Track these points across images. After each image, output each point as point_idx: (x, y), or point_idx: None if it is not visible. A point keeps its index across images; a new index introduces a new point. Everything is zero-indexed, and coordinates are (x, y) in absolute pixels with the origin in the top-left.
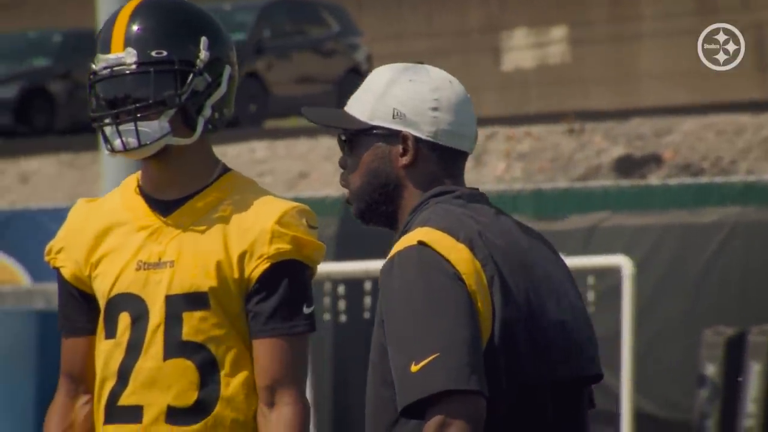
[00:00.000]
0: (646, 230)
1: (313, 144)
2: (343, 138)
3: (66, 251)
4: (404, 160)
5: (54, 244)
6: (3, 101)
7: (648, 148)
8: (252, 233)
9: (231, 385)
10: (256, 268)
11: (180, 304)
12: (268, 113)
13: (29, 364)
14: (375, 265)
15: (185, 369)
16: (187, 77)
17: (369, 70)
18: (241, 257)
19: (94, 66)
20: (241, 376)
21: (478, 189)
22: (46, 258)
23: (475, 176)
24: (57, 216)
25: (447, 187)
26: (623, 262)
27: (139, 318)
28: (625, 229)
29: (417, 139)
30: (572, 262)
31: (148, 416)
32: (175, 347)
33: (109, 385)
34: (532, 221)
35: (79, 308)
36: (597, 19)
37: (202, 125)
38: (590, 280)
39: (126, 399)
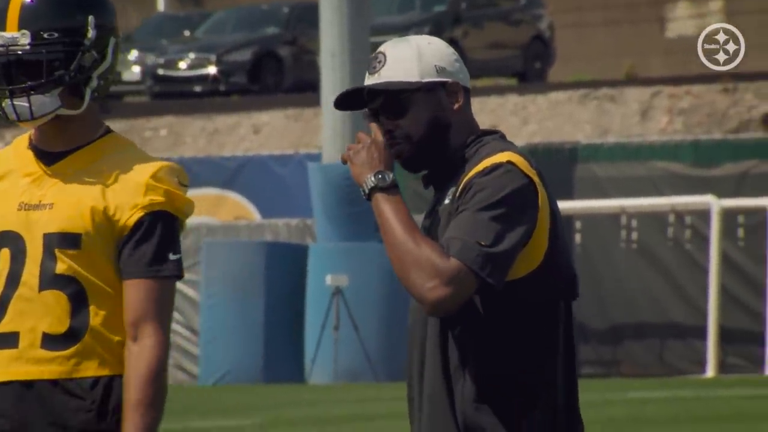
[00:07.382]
0: None
1: (502, 101)
2: (371, 108)
3: None
4: (457, 105)
5: None
6: (239, 64)
7: None
8: (129, 185)
9: (97, 318)
10: (131, 217)
11: (55, 241)
12: None
13: (259, 288)
14: (580, 204)
15: (58, 299)
16: (76, 55)
17: (551, 38)
18: (118, 206)
19: None
20: (104, 313)
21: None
22: None
23: (640, 129)
24: (284, 161)
25: (489, 129)
26: None
27: (18, 253)
28: None
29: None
30: (726, 203)
31: (24, 341)
32: (50, 280)
33: None
34: (690, 168)
35: None
36: None
37: (89, 95)
38: (740, 218)
39: (4, 326)
